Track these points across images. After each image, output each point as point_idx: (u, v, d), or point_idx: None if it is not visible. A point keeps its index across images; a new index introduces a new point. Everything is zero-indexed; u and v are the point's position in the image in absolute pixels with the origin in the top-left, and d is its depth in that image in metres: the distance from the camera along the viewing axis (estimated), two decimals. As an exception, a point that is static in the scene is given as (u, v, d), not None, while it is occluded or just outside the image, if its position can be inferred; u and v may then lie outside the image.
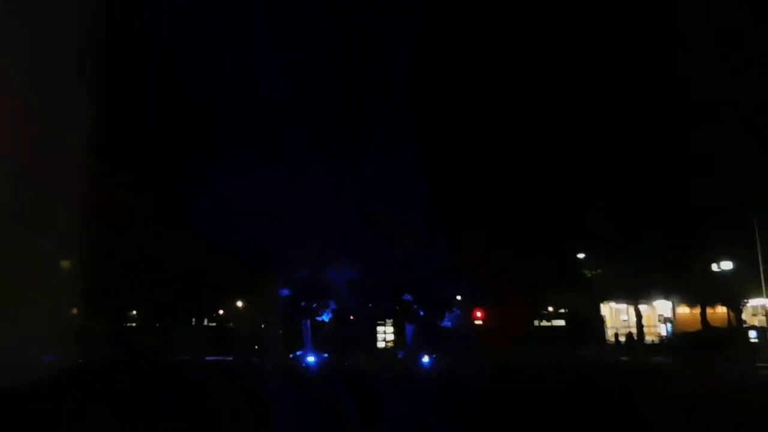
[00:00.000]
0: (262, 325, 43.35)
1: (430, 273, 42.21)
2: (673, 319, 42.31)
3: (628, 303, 43.59)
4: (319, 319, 42.63)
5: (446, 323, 42.72)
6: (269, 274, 42.21)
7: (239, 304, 45.16)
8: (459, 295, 43.42)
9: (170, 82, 38.43)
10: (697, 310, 42.10)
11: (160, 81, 38.32)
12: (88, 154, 35.04)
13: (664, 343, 40.75)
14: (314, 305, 43.49)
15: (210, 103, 39.27)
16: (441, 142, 42.15)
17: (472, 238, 42.01)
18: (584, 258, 42.34)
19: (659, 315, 42.75)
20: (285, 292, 43.21)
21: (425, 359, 40.03)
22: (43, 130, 33.89)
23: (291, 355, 40.70)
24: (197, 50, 38.80)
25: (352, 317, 43.32)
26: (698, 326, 40.95)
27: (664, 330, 42.51)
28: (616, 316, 44.07)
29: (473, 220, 42.64)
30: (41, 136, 33.65)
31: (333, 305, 43.03)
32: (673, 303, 42.34)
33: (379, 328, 45.27)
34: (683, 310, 42.88)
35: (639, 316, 41.74)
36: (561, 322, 43.68)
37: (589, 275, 41.66)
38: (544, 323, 43.12)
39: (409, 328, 42.83)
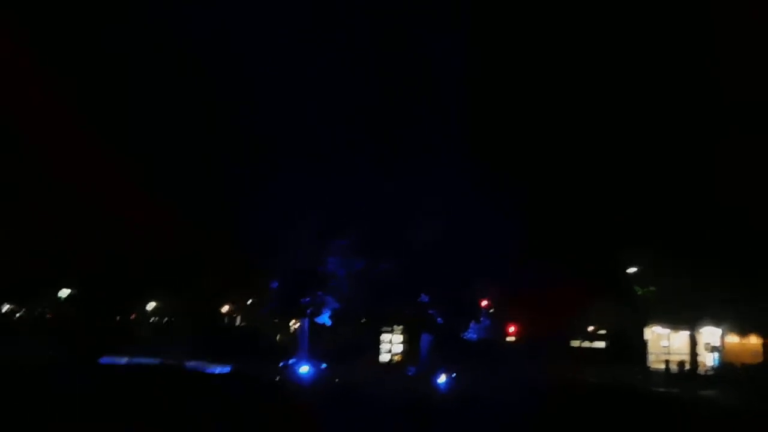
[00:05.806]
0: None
1: (454, 271, 34.73)
2: (721, 348, 36.92)
3: (672, 328, 37.83)
4: (320, 320, 34.03)
5: (470, 335, 35.20)
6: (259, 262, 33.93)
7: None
8: (486, 301, 36.10)
9: (199, 82, 37.69)
10: (750, 340, 36.98)
11: (191, 81, 37.62)
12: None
13: (717, 374, 35.19)
14: (307, 300, 34.86)
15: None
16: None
17: (507, 237, 35.57)
18: (636, 273, 36.08)
19: (706, 343, 37.27)
20: (275, 284, 34.48)
21: (442, 379, 32.56)
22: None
23: (281, 364, 32.17)
24: (229, 50, 37.15)
25: (356, 319, 35.17)
26: (752, 358, 35.99)
27: (711, 360, 37.08)
28: (656, 342, 38.31)
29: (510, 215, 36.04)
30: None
31: (334, 303, 34.55)
32: (723, 330, 36.89)
33: (384, 337, 37.30)
34: (731, 339, 37.58)
35: (694, 342, 36.10)
36: (600, 344, 37.37)
37: (640, 292, 35.43)
38: (585, 344, 36.58)
39: (425, 339, 35.00)
